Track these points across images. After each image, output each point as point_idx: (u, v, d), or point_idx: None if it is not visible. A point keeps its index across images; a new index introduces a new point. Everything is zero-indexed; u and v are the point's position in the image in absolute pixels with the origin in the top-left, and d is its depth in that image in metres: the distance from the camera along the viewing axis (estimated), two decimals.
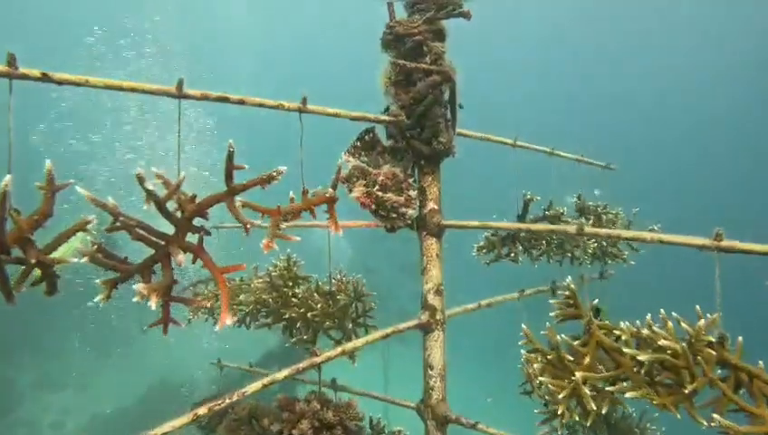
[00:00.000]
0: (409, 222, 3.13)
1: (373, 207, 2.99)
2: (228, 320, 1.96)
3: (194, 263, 2.14)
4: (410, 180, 3.13)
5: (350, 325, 3.51)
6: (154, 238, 2.07)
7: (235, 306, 4.44)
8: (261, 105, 2.37)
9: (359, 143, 3.24)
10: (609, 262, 4.79)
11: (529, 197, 3.83)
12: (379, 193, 2.96)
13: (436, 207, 3.20)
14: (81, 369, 13.53)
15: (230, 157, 1.95)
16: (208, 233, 2.20)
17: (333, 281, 3.61)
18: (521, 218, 3.95)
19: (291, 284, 3.99)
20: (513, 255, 3.83)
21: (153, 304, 1.77)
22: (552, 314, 2.63)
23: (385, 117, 3.09)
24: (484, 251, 3.87)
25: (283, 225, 2.35)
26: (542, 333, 3.30)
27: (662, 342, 2.09)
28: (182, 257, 1.86)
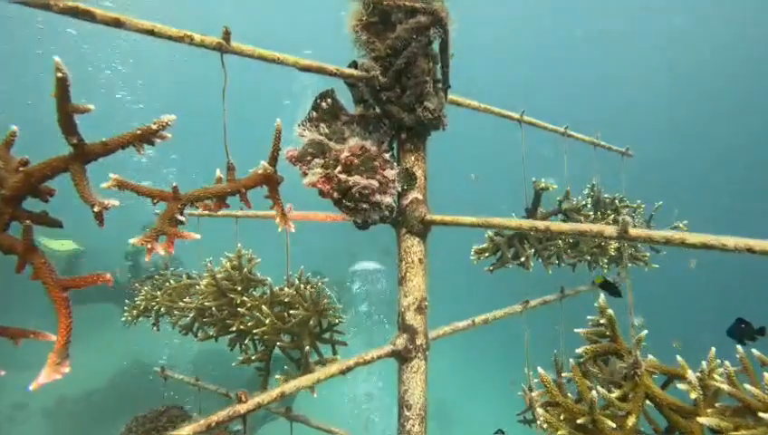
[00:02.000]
0: (387, 214, 2.34)
1: (336, 195, 2.19)
2: (44, 378, 1.16)
3: (18, 272, 1.34)
4: (386, 156, 2.33)
5: (308, 346, 2.72)
6: None
7: (177, 312, 3.64)
8: (152, 33, 1.56)
9: (315, 112, 2.43)
10: (630, 265, 4.04)
11: (543, 185, 3.03)
12: (343, 176, 2.16)
13: (419, 196, 2.41)
14: (45, 349, 12.72)
15: (62, 87, 1.14)
16: (55, 222, 1.40)
17: (288, 290, 2.82)
18: (531, 212, 3.17)
19: (240, 288, 3.19)
20: (523, 259, 3.04)
21: None
22: (579, 350, 1.86)
23: (352, 71, 2.28)
24: (486, 255, 3.08)
25: (183, 217, 1.55)
26: (563, 376, 2.50)
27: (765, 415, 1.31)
28: None
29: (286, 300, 2.78)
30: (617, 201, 4.10)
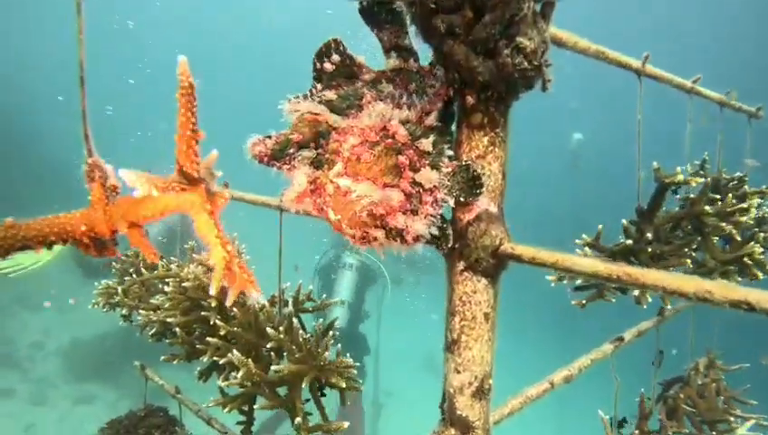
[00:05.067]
0: (426, 240, 1.33)
1: (331, 215, 1.20)
2: None
3: None
4: (426, 142, 1.28)
5: (299, 417, 1.83)
6: None
7: (142, 314, 2.79)
8: None
9: (317, 84, 1.43)
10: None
11: (678, 178, 1.94)
12: (342, 181, 1.17)
13: (493, 209, 1.37)
14: (61, 290, 12.61)
15: None
16: None
17: (273, 332, 1.88)
18: (647, 214, 2.10)
19: (214, 304, 2.29)
20: (636, 291, 2.00)
21: None
22: None
23: None
24: (578, 279, 2.05)
25: None
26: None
27: None
28: None
29: (270, 345, 1.86)
30: (744, 185, 2.94)
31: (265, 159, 1.30)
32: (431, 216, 1.27)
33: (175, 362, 2.34)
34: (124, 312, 2.79)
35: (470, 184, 1.30)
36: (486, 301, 1.41)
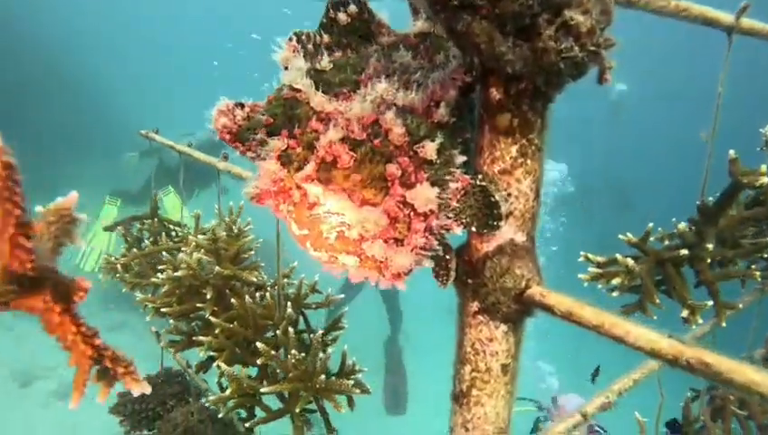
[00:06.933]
0: (419, 268, 1.04)
1: (296, 229, 0.94)
2: None
3: None
4: (430, 147, 0.94)
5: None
6: None
7: (140, 295, 2.63)
8: None
9: (325, 34, 1.16)
10: None
11: (763, 178, 1.51)
12: (312, 187, 0.91)
13: (519, 238, 1.05)
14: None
15: None
16: None
17: (263, 348, 1.66)
18: (713, 213, 1.70)
19: (210, 295, 2.10)
20: (685, 313, 1.67)
21: None
22: None
23: None
24: (613, 284, 1.72)
25: None
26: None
27: None
28: None
29: (260, 361, 1.64)
30: None
31: (227, 136, 1.02)
32: (422, 249, 0.96)
33: (173, 353, 2.20)
34: (124, 290, 2.66)
35: (485, 212, 0.98)
36: (505, 351, 1.12)
